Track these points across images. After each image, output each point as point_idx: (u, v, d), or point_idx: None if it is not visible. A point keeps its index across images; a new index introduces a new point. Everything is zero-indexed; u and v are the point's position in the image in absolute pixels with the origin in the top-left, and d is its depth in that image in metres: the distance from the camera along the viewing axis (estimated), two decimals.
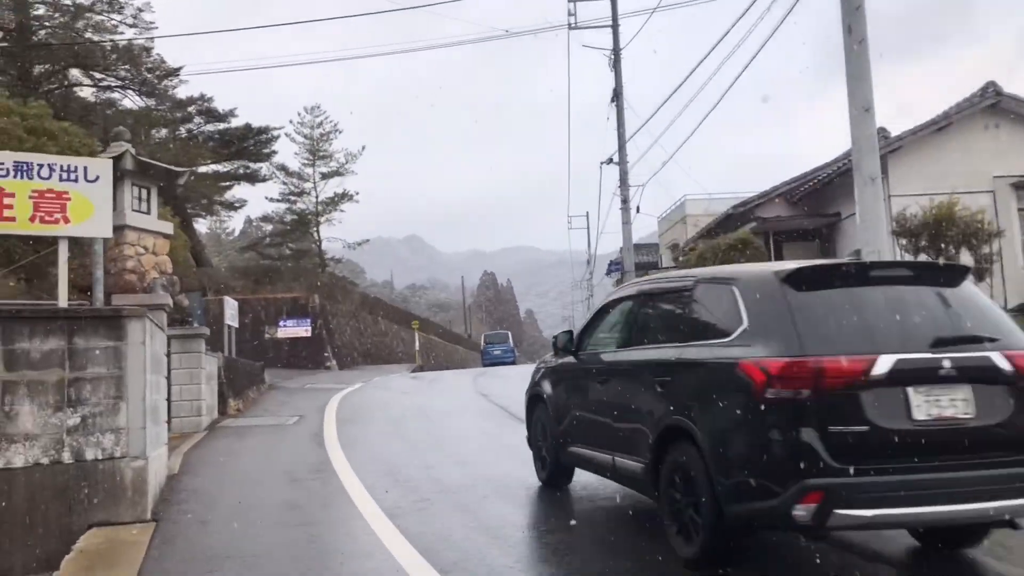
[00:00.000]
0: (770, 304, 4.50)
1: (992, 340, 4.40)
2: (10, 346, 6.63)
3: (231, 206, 44.83)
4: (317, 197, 45.43)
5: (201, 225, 48.45)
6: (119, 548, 6.05)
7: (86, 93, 36.90)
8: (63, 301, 7.08)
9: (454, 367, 50.70)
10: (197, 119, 41.38)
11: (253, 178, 44.46)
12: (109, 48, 34.42)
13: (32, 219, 6.99)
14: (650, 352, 5.51)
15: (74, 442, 6.77)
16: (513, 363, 41.52)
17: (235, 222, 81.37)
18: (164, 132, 39.85)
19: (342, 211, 45.44)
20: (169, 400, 12.48)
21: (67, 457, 6.70)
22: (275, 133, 43.12)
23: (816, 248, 24.56)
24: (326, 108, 47.45)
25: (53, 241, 7.45)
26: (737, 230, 23.63)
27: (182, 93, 39.14)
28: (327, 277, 37.76)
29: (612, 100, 34.78)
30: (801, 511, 4.00)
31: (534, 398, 7.76)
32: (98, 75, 36.05)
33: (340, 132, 46.16)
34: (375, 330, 41.29)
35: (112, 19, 35.25)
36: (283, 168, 44.88)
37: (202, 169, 41.45)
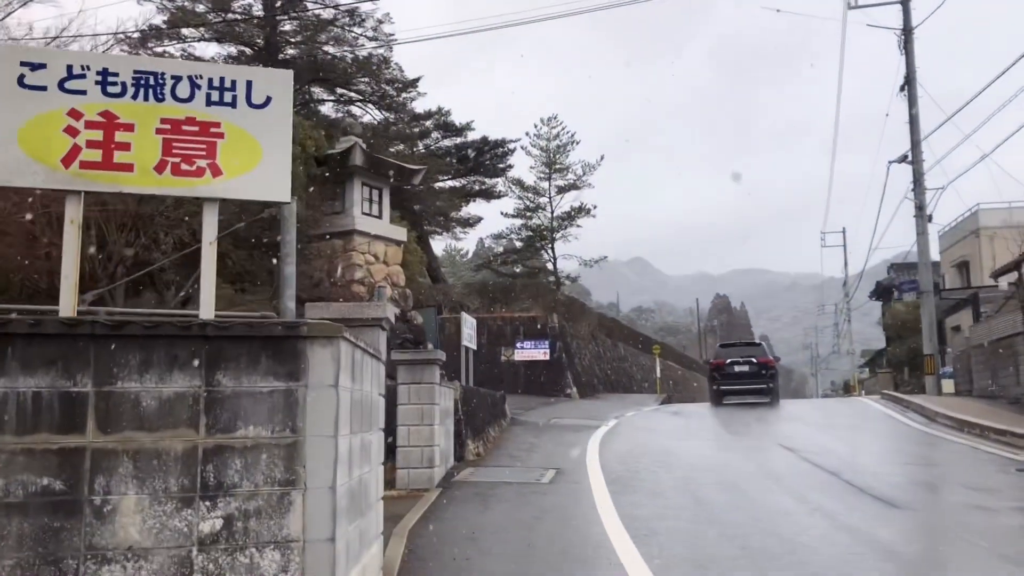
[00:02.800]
0: (715, 351, 26.72)
1: (755, 356, 24.03)
2: (108, 387, 3.70)
3: (467, 223, 43.37)
4: (552, 212, 42.90)
5: (436, 245, 47.58)
6: None
7: (327, 109, 36.66)
8: (206, 311, 4.13)
9: (698, 398, 46.20)
10: (434, 134, 40.34)
11: (489, 194, 42.80)
12: (350, 60, 33.77)
13: (160, 168, 4.08)
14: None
15: (210, 565, 3.72)
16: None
17: (467, 243, 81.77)
18: (401, 147, 38.92)
19: (578, 226, 42.57)
20: (395, 446, 9.61)
21: None
22: (511, 146, 41.22)
23: None
24: (563, 119, 44.98)
25: (194, 206, 4.50)
26: None
27: (419, 107, 38.15)
28: (564, 297, 34.84)
29: (901, 88, 29.26)
30: (716, 390, 24.18)
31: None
32: (339, 90, 35.67)
33: (577, 143, 43.43)
34: (614, 355, 37.85)
35: (353, 32, 34.56)
36: (519, 182, 42.83)
37: (438, 185, 40.40)
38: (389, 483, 9.66)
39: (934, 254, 51.18)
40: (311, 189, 14.30)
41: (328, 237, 15.02)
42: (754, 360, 23.63)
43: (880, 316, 55.65)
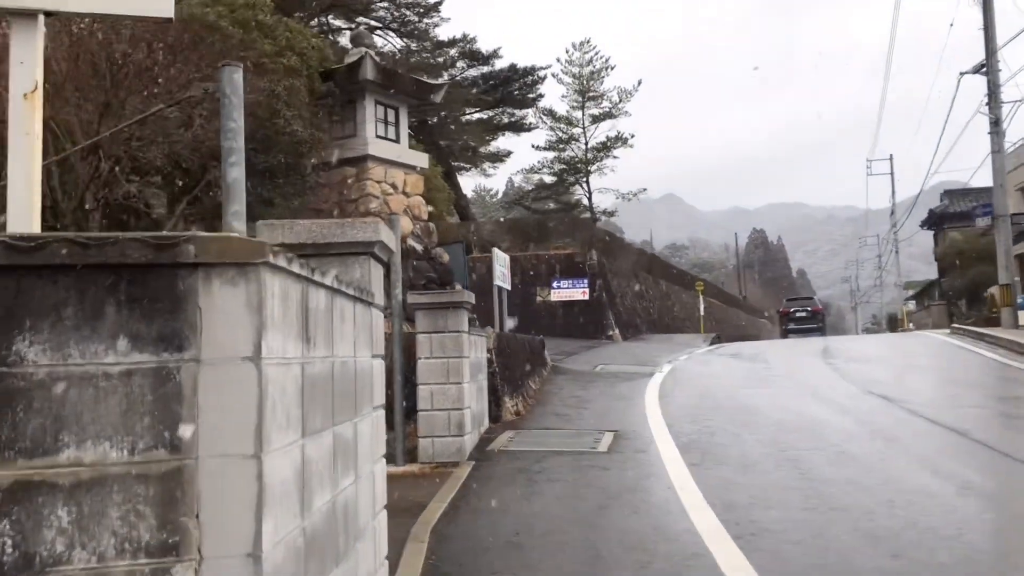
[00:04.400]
0: (783, 303, 43.45)
1: (810, 306, 39.21)
2: None
3: (496, 158, 41.23)
4: (587, 143, 40.48)
5: (464, 184, 45.38)
6: None
7: (346, 41, 34.46)
8: (17, 221, 2.22)
9: (746, 336, 44.25)
10: (459, 63, 37.97)
11: (518, 127, 40.52)
12: None
13: None
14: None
15: None
16: (821, 331, 37.75)
17: (497, 182, 79.84)
18: (425, 78, 36.51)
19: (614, 157, 40.14)
20: (415, 408, 7.80)
21: None
22: (541, 74, 38.72)
23: None
24: (597, 43, 41.79)
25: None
26: None
27: (443, 34, 35.79)
28: (603, 232, 32.72)
29: None
30: (784, 328, 38.49)
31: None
32: (358, 18, 33.38)
33: (612, 68, 40.71)
34: (656, 293, 35.78)
35: None
36: (550, 113, 40.37)
37: (464, 118, 38.23)
38: (410, 452, 7.88)
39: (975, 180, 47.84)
40: (316, 108, 12.34)
41: (337, 164, 13.08)
42: (809, 309, 39.31)
43: (933, 246, 52.84)
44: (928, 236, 60.05)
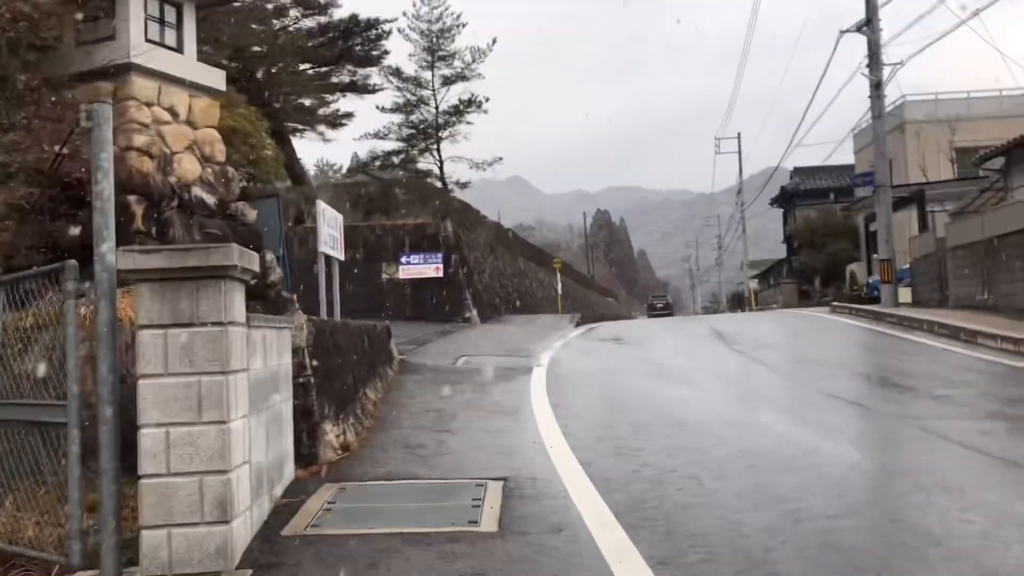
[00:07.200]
0: (650, 297, 72.30)
1: (667, 297, 67.25)
2: None
3: (336, 120, 36.70)
4: (437, 106, 36.77)
5: (304, 152, 40.53)
6: None
7: None
8: None
9: (605, 317, 42.15)
10: (293, 12, 33.20)
11: (362, 88, 36.08)
12: None
13: None
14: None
15: None
16: (671, 314, 50.46)
17: (342, 156, 75.02)
18: (254, 26, 31.69)
19: (468, 123, 36.65)
20: (134, 471, 4.07)
21: None
22: (386, 28, 34.53)
23: None
24: None
25: None
26: None
27: None
28: (458, 201, 29.24)
29: None
30: (650, 313, 57.81)
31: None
32: None
33: (464, 25, 37.08)
34: (515, 270, 32.77)
35: None
36: (397, 72, 36.29)
37: (299, 74, 33.62)
38: (128, 543, 4.17)
39: (848, 155, 48.05)
40: None
41: (86, 77, 8.94)
42: (665, 300, 60.91)
43: (783, 224, 52.90)
44: (761, 220, 61.87)
